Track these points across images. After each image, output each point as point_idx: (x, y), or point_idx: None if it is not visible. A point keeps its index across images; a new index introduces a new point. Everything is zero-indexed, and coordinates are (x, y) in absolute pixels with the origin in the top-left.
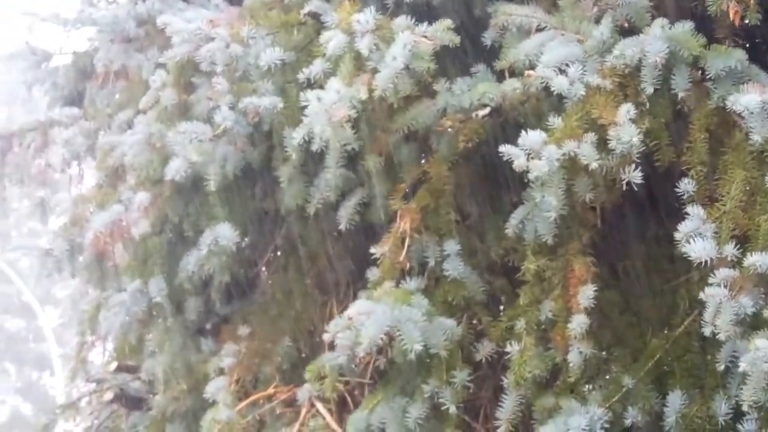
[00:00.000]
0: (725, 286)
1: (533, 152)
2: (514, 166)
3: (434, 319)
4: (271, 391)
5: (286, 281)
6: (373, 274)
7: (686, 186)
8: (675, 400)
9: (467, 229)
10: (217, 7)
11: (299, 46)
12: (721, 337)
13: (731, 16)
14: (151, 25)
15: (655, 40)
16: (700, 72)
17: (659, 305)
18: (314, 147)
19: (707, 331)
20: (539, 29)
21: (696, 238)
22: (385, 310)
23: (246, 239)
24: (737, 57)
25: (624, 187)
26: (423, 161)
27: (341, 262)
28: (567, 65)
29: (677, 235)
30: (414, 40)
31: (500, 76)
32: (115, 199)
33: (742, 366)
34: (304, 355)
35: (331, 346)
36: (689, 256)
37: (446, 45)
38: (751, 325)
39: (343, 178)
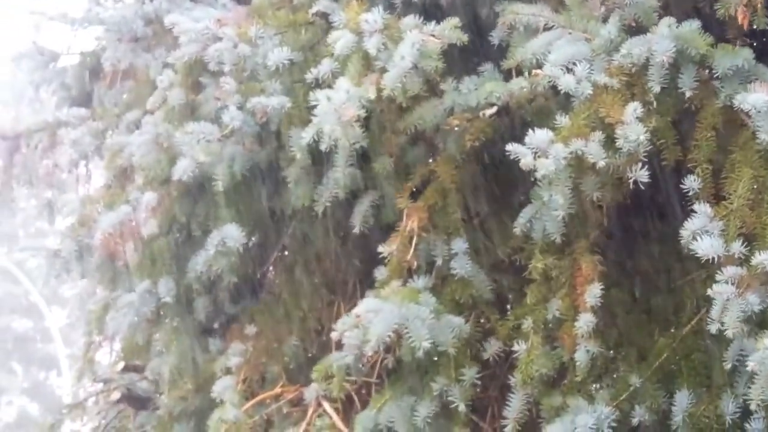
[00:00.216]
0: (732, 284)
1: (540, 151)
2: (521, 164)
3: (442, 317)
4: (278, 390)
5: (293, 281)
6: (380, 273)
7: (692, 184)
8: (682, 399)
9: (474, 227)
10: (224, 7)
11: (307, 45)
12: (728, 334)
13: (740, 19)
14: (159, 25)
15: (663, 39)
16: (707, 71)
17: (667, 304)
18: (323, 146)
19: (714, 328)
20: (546, 28)
21: (703, 235)
22: (393, 308)
23: (253, 239)
24: (744, 56)
25: (631, 186)
26: (430, 160)
27: (348, 261)
28: (574, 64)
29: (684, 233)
30: (422, 39)
31: (507, 75)
32: (123, 200)
33: (751, 365)
34: (311, 354)
35: (339, 346)
36: (696, 254)
37: (454, 44)
38: (758, 323)
39: (351, 177)
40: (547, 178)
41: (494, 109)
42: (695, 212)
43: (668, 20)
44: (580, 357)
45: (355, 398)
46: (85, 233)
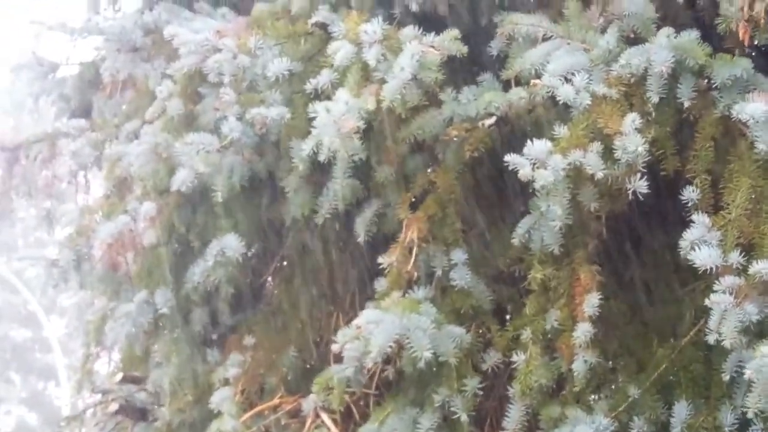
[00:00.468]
0: (730, 294)
1: (539, 161)
2: (519, 175)
3: (443, 327)
4: (276, 401)
5: (292, 291)
6: (380, 284)
7: (691, 194)
8: (681, 410)
9: (474, 238)
10: (224, 17)
11: (306, 56)
12: (726, 344)
13: (741, 35)
14: (158, 35)
15: (661, 49)
16: (705, 81)
17: (665, 315)
18: (322, 158)
19: (711, 338)
20: (545, 38)
21: (701, 245)
22: (394, 319)
23: (252, 249)
24: (743, 66)
25: (629, 196)
26: (429, 171)
27: (347, 272)
28: (573, 74)
29: (682, 243)
30: (421, 51)
31: (506, 86)
32: (121, 210)
33: (748, 373)
34: (309, 365)
35: (338, 358)
36: (694, 264)
37: (453, 55)
38: (756, 334)
39: (351, 188)
40: (545, 189)
41: (493, 120)
42: (693, 222)
43: (667, 30)
44: (579, 367)
45: (354, 410)
46: (83, 243)
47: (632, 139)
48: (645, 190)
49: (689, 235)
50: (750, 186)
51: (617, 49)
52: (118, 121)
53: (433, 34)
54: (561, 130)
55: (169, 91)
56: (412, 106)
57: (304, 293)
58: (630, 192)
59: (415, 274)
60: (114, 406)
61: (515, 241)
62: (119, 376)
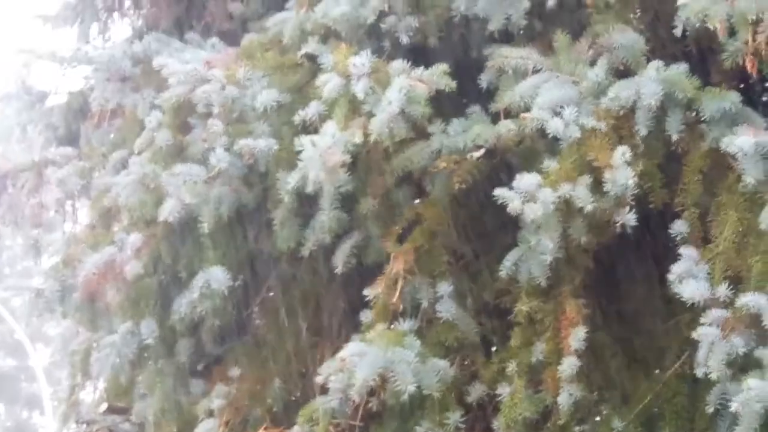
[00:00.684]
0: (717, 326)
1: (528, 195)
2: (509, 209)
3: (427, 360)
4: None
5: (277, 323)
6: (366, 316)
7: (680, 227)
8: None
9: (460, 270)
10: (213, 48)
11: (295, 87)
12: (713, 377)
13: (749, 68)
14: (147, 65)
15: (650, 82)
16: (694, 114)
17: (650, 347)
18: (308, 190)
19: (699, 371)
20: (535, 71)
21: (689, 279)
22: (378, 351)
23: (238, 280)
24: (731, 99)
25: (618, 229)
26: (417, 202)
27: (334, 303)
28: (562, 107)
29: (670, 276)
30: (410, 85)
31: (495, 118)
32: (108, 240)
33: (735, 406)
34: (294, 397)
35: (324, 390)
36: (682, 297)
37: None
38: (740, 366)
39: (337, 220)
40: (535, 223)
41: (482, 152)
42: (681, 255)
43: (656, 64)
44: (564, 400)
45: None
46: (69, 273)
47: (622, 173)
48: (633, 223)
49: (677, 268)
50: (738, 219)
51: (606, 81)
52: (105, 150)
53: (422, 67)
54: (550, 164)
55: (158, 121)
56: (399, 139)
57: (290, 325)
58: (619, 225)
59: (401, 306)
60: None
61: (502, 274)
62: (104, 406)
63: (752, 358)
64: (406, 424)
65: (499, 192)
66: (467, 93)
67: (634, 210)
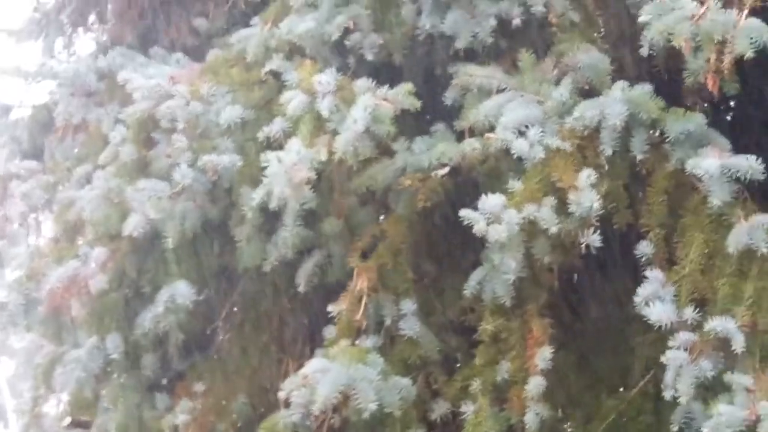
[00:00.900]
0: (685, 350)
1: (493, 216)
2: (474, 230)
3: (389, 378)
4: None
5: (242, 338)
6: (329, 332)
7: (645, 248)
8: None
9: (424, 288)
10: (178, 63)
11: (259, 104)
12: (682, 401)
13: (710, 86)
14: (112, 80)
15: (615, 103)
16: (659, 135)
17: (615, 366)
18: (272, 206)
19: (667, 394)
20: (499, 90)
21: (655, 301)
22: (341, 368)
23: (203, 295)
24: (696, 121)
25: (582, 250)
26: (381, 219)
27: (298, 319)
28: (527, 127)
29: (636, 298)
30: (375, 103)
31: (460, 136)
32: (72, 254)
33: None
34: (259, 412)
35: (286, 404)
36: (649, 320)
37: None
38: (707, 387)
39: (300, 237)
40: (499, 243)
41: (446, 170)
42: (647, 278)
43: (621, 84)
44: (530, 420)
45: None
46: (33, 286)
47: (587, 195)
48: (598, 244)
49: (643, 291)
50: (703, 241)
51: (571, 101)
52: (70, 164)
53: (387, 85)
54: (515, 184)
55: (122, 136)
56: (364, 158)
57: (255, 340)
58: (583, 246)
59: (365, 322)
60: None
61: (467, 293)
62: (67, 420)
63: (719, 380)
64: None
65: (465, 213)
66: (432, 110)
67: (598, 230)
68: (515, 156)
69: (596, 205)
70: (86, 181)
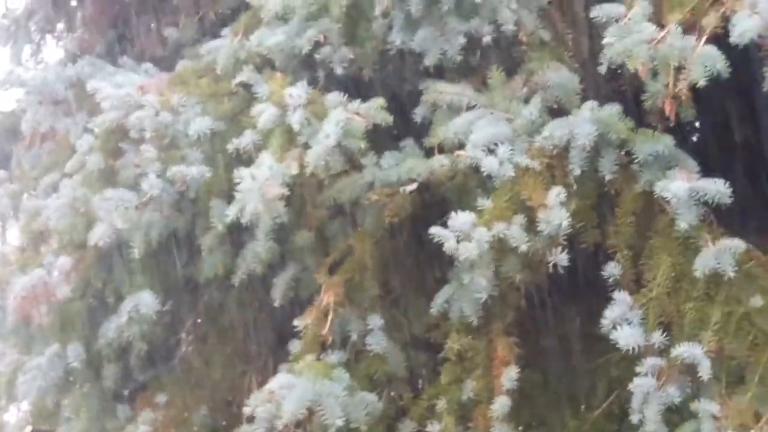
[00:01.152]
0: (653, 376)
1: (463, 234)
2: (444, 248)
3: (356, 393)
4: None
5: (205, 350)
6: (295, 346)
7: (612, 269)
8: None
9: (391, 303)
10: (147, 73)
11: (229, 116)
12: (649, 428)
13: (667, 111)
14: (80, 88)
15: (584, 122)
16: (627, 155)
17: (579, 385)
18: (244, 220)
19: (634, 418)
20: (469, 107)
21: (623, 324)
22: (307, 384)
23: (168, 306)
24: (665, 143)
25: (550, 268)
26: (350, 235)
27: (262, 332)
28: (496, 145)
29: (604, 321)
30: (347, 117)
31: (429, 152)
32: (37, 263)
33: None
34: (221, 425)
35: (251, 418)
36: (617, 344)
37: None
38: (674, 410)
39: (270, 251)
40: (469, 261)
41: (414, 186)
42: (614, 299)
43: (591, 104)
44: None
45: None
46: None
47: (556, 213)
48: (565, 263)
49: (611, 313)
50: (671, 264)
51: (540, 120)
52: (37, 173)
53: (357, 99)
54: (484, 202)
55: (90, 145)
56: (335, 172)
57: (218, 352)
58: (551, 264)
59: (331, 337)
60: None
61: (434, 311)
62: (28, 429)
63: (686, 406)
64: None
65: (435, 230)
66: (401, 126)
67: (566, 249)
68: (484, 173)
69: (565, 223)
70: (53, 189)
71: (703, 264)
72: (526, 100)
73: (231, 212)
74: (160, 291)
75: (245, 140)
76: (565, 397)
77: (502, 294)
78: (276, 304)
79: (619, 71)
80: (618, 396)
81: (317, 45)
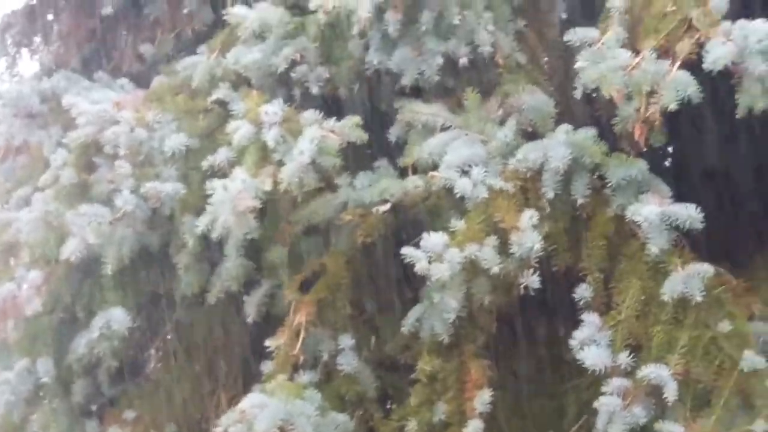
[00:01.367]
0: (619, 396)
1: (435, 255)
2: (416, 269)
3: (327, 413)
4: None
5: (174, 367)
6: (266, 366)
7: (583, 292)
8: None
9: (363, 323)
10: (122, 88)
11: (204, 133)
12: None
13: (636, 135)
14: (56, 102)
15: (558, 146)
16: (600, 179)
17: (549, 408)
18: (214, 235)
19: None
20: (444, 128)
21: (591, 345)
22: (279, 404)
23: (138, 322)
24: (638, 167)
25: (521, 291)
26: (322, 254)
27: (232, 351)
28: (470, 166)
29: (572, 342)
30: (321, 135)
31: (403, 173)
32: (8, 276)
33: None
34: None
35: None
36: (584, 364)
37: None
38: (636, 429)
39: (243, 267)
40: (440, 282)
41: (388, 206)
42: (584, 321)
43: (565, 127)
44: None
45: None
46: None
47: (529, 236)
48: (537, 286)
49: (580, 335)
50: (640, 287)
51: (515, 142)
52: (10, 186)
53: (333, 118)
54: (457, 223)
55: (64, 159)
56: (308, 189)
57: (187, 369)
58: (522, 287)
59: (302, 357)
60: None
61: (405, 330)
62: None
63: (651, 428)
64: None
65: (407, 251)
66: (375, 146)
67: (537, 272)
68: (458, 195)
69: (538, 246)
70: (25, 203)
71: (671, 288)
72: (501, 123)
73: (201, 223)
74: (131, 307)
75: (220, 157)
76: (535, 420)
77: (473, 316)
78: (249, 320)
79: (594, 95)
80: (587, 420)
81: (294, 63)
